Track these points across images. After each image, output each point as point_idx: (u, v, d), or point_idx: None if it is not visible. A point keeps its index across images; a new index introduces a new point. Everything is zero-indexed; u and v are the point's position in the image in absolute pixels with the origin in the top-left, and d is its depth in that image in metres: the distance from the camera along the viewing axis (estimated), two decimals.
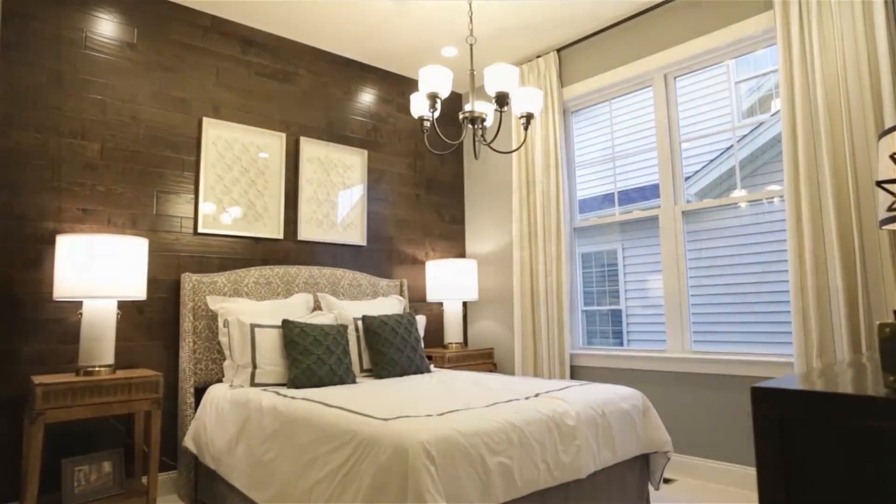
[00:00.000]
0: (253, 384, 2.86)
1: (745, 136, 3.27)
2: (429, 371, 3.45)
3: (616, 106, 3.91)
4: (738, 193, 3.25)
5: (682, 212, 3.42)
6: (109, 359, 2.68)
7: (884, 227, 1.74)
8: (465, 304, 4.65)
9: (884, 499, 0.78)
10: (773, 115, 3.16)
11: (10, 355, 2.69)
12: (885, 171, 1.70)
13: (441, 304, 4.46)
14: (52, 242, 2.82)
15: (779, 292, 3.04)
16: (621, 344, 3.78)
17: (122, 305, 2.99)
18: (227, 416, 2.67)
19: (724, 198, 3.28)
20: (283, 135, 3.71)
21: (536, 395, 2.42)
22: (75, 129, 2.95)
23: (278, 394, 2.59)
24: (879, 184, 1.58)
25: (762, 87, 3.25)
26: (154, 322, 3.12)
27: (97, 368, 2.62)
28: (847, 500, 0.81)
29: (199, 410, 2.94)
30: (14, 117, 2.78)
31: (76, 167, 2.94)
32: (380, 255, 4.20)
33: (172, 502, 2.93)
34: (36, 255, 2.79)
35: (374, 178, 4.23)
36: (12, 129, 2.77)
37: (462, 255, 4.75)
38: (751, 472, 2.97)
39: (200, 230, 3.30)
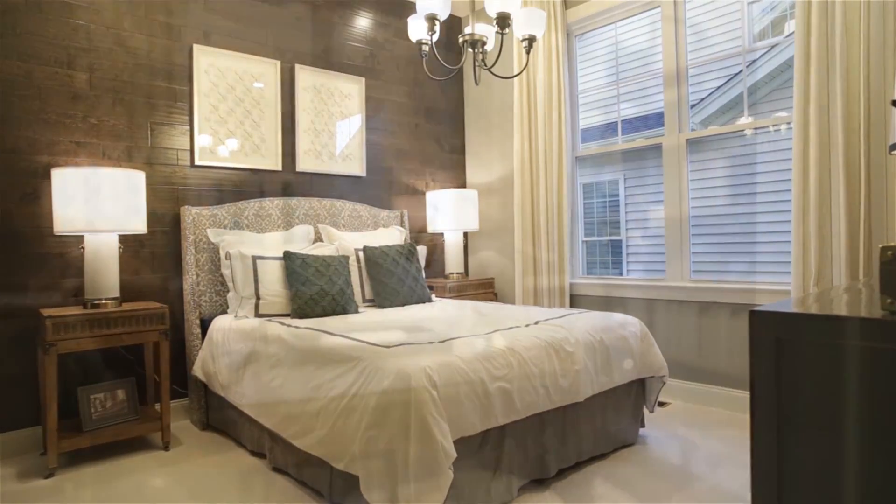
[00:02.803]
0: (257, 315, 2.92)
1: (754, 60, 3.16)
2: (430, 301, 3.50)
3: (622, 29, 3.75)
4: (745, 121, 3.17)
5: (687, 140, 3.36)
6: (115, 292, 2.72)
7: (894, 153, 1.70)
8: (465, 234, 4.66)
9: (872, 415, 0.81)
10: (786, 38, 3.03)
11: (17, 288, 2.72)
12: None
13: (442, 234, 4.47)
14: (48, 176, 2.79)
15: (780, 222, 3.03)
16: (621, 274, 3.81)
17: (124, 239, 2.99)
18: (234, 345, 2.74)
19: (730, 125, 3.21)
20: (278, 62, 3.58)
21: (536, 323, 2.47)
22: (60, 58, 2.85)
23: (283, 324, 2.64)
24: None
25: (776, 7, 3.10)
26: (156, 255, 3.14)
27: (103, 301, 2.66)
28: (837, 417, 0.84)
29: (205, 341, 3.01)
30: None
31: (64, 98, 2.86)
32: (379, 186, 4.17)
33: (185, 427, 3.06)
34: (32, 190, 2.77)
35: (373, 108, 4.12)
36: None
37: (462, 185, 4.71)
38: (742, 395, 3.07)
39: (197, 162, 3.26)
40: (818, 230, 2.67)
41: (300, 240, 3.37)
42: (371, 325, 2.57)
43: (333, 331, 2.38)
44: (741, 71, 3.18)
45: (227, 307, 3.19)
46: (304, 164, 3.72)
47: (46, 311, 2.53)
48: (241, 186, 3.46)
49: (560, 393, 2.20)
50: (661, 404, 3.28)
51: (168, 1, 3.19)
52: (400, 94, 4.29)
